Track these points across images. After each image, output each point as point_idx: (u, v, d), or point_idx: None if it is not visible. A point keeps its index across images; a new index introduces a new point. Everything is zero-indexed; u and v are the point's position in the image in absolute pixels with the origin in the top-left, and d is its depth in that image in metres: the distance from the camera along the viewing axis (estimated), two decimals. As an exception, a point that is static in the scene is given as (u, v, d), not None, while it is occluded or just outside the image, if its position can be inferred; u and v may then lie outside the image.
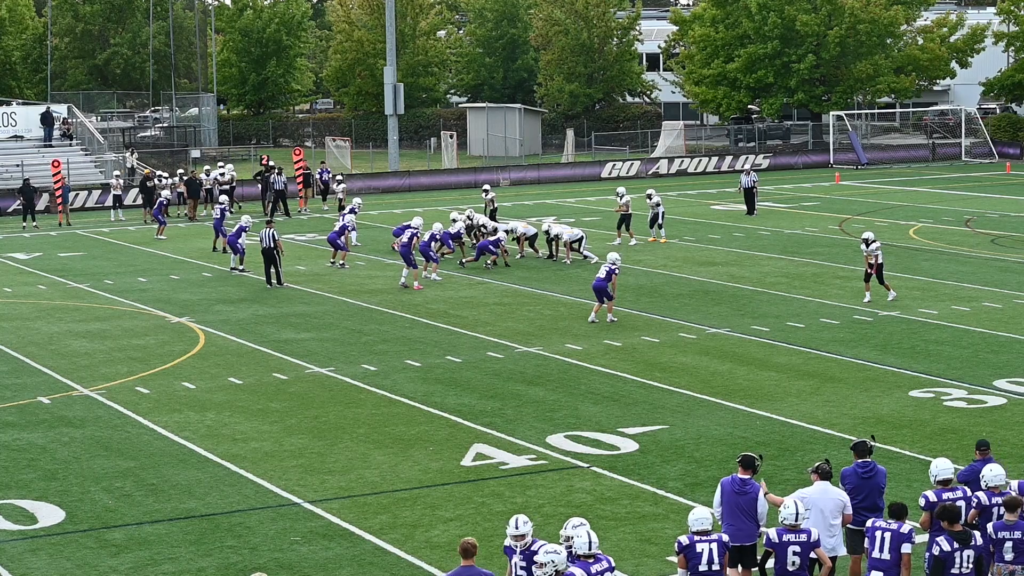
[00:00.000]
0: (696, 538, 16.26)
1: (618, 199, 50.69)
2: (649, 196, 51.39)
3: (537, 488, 23.11)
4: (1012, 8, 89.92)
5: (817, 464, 18.03)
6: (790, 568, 16.47)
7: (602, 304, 36.50)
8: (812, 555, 16.57)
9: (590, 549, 15.53)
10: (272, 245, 42.59)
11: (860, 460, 18.28)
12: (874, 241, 38.29)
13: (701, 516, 16.39)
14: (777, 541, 16.54)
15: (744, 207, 59.41)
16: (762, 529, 17.45)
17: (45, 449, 25.99)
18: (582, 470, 24.10)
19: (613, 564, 15.78)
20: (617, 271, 36.75)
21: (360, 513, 22.11)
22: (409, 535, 21.09)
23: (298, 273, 45.21)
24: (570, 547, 15.85)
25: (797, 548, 16.46)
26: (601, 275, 36.38)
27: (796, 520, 16.51)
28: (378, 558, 20.24)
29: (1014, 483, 17.88)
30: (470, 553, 15.77)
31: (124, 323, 38.13)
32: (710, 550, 16.23)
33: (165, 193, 58.81)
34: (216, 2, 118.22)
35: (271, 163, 65.72)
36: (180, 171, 67.95)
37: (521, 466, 24.38)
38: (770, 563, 16.71)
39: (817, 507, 17.52)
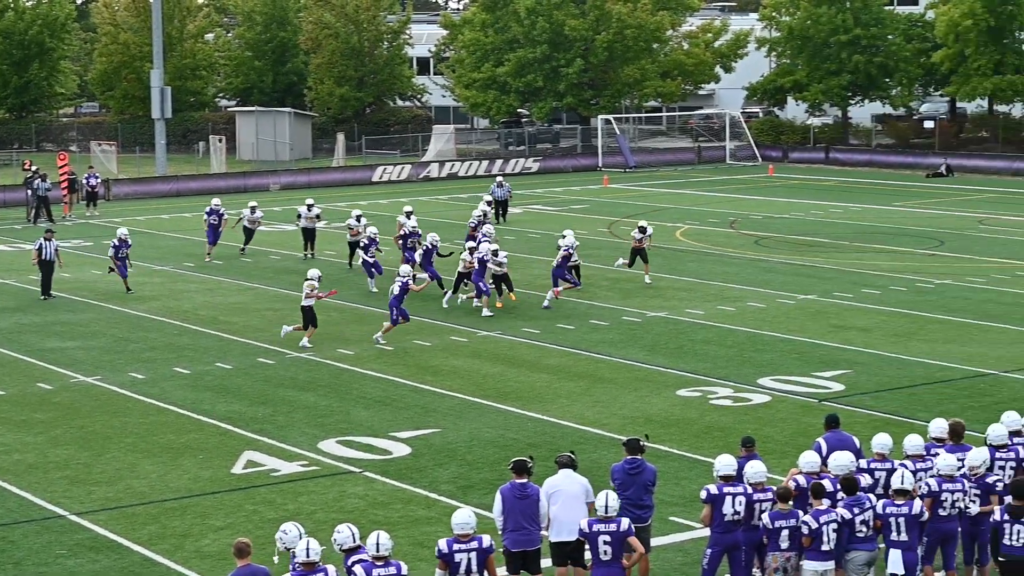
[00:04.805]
0: (456, 546, 16.24)
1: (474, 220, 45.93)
2: (642, 229, 42.80)
3: (309, 494, 22.99)
4: (773, 14, 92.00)
5: (559, 455, 18.32)
6: (602, 557, 16.73)
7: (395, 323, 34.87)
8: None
9: (378, 551, 15.61)
10: (52, 257, 41.51)
11: (629, 457, 18.54)
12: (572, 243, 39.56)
13: (462, 521, 16.34)
14: (588, 531, 16.81)
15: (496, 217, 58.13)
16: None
17: None
18: (354, 475, 24.03)
19: (404, 572, 15.77)
20: (412, 285, 35.14)
21: (128, 524, 21.73)
22: (179, 545, 20.80)
23: (63, 281, 44.10)
24: (342, 548, 15.98)
25: (608, 538, 16.70)
26: (395, 291, 34.64)
27: (606, 511, 16.77)
28: (147, 569, 19.93)
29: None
30: (245, 553, 15.73)
31: None
32: (468, 559, 16.21)
33: None
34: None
35: (34, 167, 64.22)
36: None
37: (293, 472, 24.22)
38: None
39: (565, 492, 17.82)
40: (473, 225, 44.98)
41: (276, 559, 16.34)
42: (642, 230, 42.49)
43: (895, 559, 17.62)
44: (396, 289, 34.46)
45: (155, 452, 25.60)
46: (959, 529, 18.47)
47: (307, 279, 34.49)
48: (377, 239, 42.44)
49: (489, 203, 51.26)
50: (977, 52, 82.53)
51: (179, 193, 73.91)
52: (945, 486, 18.05)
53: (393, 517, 21.73)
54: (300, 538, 15.81)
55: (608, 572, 16.80)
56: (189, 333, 36.41)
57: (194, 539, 21.05)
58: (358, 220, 45.82)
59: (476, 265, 38.11)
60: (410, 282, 34.82)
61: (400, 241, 43.05)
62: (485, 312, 37.55)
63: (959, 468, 18.33)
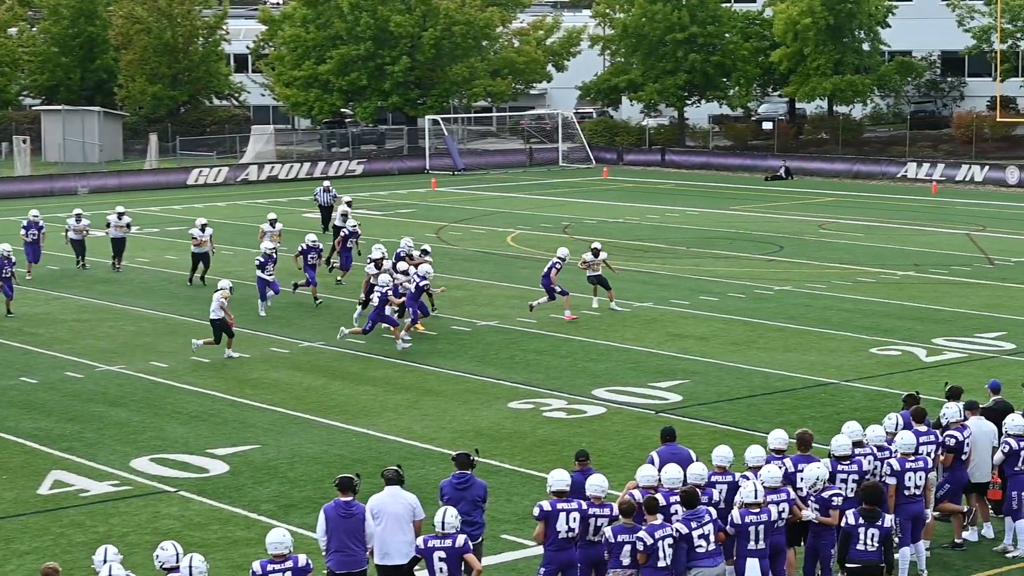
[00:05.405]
0: (271, 567, 15.87)
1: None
2: (596, 252, 39.10)
3: (121, 516, 22.47)
4: (607, 11, 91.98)
5: (385, 470, 17.92)
6: (438, 574, 16.59)
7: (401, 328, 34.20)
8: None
9: (191, 575, 15.28)
10: None
11: (458, 472, 18.25)
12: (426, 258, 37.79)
13: (276, 540, 15.95)
14: (424, 548, 16.72)
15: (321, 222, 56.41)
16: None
17: None
18: (169, 495, 23.54)
19: None
20: (392, 294, 34.14)
21: (-76, 552, 20.86)
22: (-20, 573, 20.04)
23: None
24: (164, 566, 15.44)
25: (443, 554, 16.60)
26: (375, 301, 33.83)
27: (443, 527, 16.65)
28: (-57, 601, 19.03)
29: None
30: None
31: None
32: None
33: None
34: None
35: None
36: None
37: (103, 492, 23.70)
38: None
39: (389, 512, 17.43)
40: (344, 236, 43.79)
41: None
42: (595, 252, 38.81)
43: (752, 567, 17.58)
44: (376, 300, 33.87)
45: (-46, 473, 24.74)
46: (800, 542, 18.52)
47: (218, 289, 33.45)
48: (275, 257, 39.80)
49: (349, 203, 49.52)
50: (816, 51, 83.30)
51: (-19, 198, 71.66)
52: (770, 497, 17.90)
53: (211, 538, 21.29)
54: (104, 563, 15.30)
55: None
56: (-9, 345, 35.35)
57: (-4, 566, 20.29)
58: (203, 230, 43.49)
59: (411, 288, 35.72)
60: (389, 293, 34.01)
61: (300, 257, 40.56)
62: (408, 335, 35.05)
63: (780, 479, 18.14)
